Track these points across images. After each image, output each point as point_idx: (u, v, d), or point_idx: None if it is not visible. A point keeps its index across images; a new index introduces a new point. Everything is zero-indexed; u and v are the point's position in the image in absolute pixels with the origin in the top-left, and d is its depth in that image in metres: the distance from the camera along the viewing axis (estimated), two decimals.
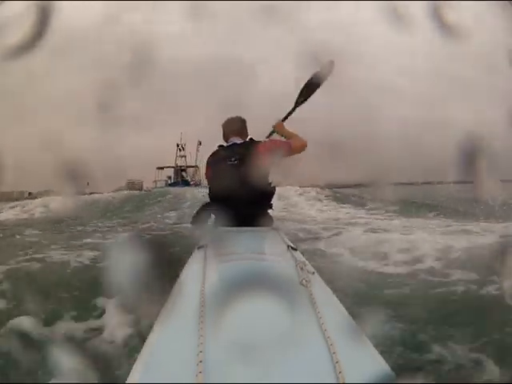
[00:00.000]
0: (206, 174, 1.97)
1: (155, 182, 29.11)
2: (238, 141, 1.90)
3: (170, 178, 30.36)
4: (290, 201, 8.98)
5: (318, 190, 11.09)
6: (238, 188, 1.65)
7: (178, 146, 30.77)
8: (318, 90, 2.00)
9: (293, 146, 1.84)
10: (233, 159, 1.77)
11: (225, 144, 1.95)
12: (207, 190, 1.90)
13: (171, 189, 19.40)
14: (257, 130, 2.03)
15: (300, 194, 10.28)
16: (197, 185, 25.40)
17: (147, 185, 28.18)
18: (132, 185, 27.57)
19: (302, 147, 1.88)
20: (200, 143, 30.28)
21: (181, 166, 30.81)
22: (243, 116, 2.03)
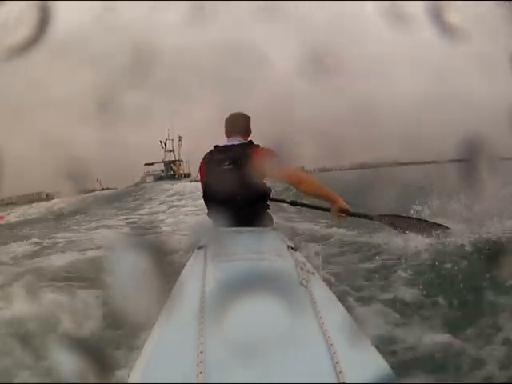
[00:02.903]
0: (200, 174, 1.92)
1: (144, 177, 31.75)
2: (237, 141, 1.85)
3: (162, 171, 32.90)
4: None
5: None
6: (233, 192, 1.63)
7: (161, 142, 33.82)
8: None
9: (289, 172, 1.74)
10: (227, 163, 1.73)
11: (221, 144, 1.91)
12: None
13: (150, 184, 22.16)
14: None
15: None
16: (180, 178, 27.89)
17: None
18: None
19: (295, 178, 1.77)
20: (180, 138, 33.69)
21: (169, 161, 33.54)
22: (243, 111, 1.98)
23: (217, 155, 1.84)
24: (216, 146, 1.92)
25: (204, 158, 1.93)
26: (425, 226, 2.17)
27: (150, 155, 34.24)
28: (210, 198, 1.82)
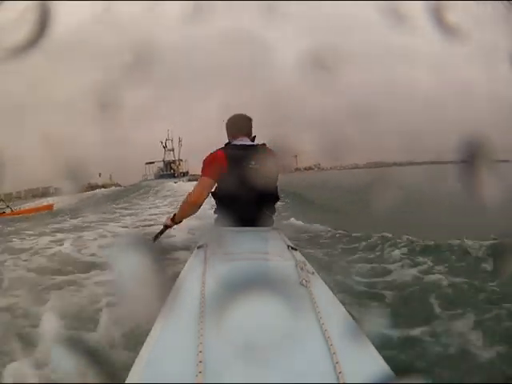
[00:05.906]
0: (213, 170, 1.77)
1: (146, 175, 34.13)
2: (247, 141, 1.82)
3: (162, 169, 35.06)
4: None
5: None
6: (255, 192, 1.63)
7: (161, 143, 35.90)
8: None
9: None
10: (253, 163, 1.71)
11: (233, 142, 1.84)
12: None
13: (153, 182, 24.16)
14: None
15: None
16: (179, 176, 30.12)
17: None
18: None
19: None
20: (180, 139, 35.90)
21: (169, 160, 35.81)
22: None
23: (240, 153, 1.76)
24: (227, 144, 1.85)
25: (225, 153, 1.78)
26: None
27: (159, 154, 36.52)
28: (225, 194, 1.74)
